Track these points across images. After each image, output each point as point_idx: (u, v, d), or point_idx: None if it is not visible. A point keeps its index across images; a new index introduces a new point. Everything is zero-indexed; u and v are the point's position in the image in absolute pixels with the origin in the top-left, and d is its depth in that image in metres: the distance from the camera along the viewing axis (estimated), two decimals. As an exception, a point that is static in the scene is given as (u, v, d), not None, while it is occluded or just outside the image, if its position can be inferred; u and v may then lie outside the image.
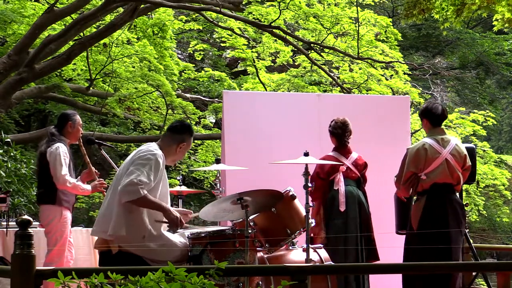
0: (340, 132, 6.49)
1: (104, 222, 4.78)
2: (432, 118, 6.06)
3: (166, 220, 4.79)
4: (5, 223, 6.14)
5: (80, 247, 6.49)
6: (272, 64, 13.35)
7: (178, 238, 4.93)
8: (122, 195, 4.65)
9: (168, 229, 4.88)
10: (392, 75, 12.16)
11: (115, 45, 11.50)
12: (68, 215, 6.06)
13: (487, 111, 12.97)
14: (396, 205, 6.36)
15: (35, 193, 7.31)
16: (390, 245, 6.22)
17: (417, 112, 11.89)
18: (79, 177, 6.24)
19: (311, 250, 5.45)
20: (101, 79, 12.17)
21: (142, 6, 10.26)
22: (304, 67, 12.62)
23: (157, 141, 5.06)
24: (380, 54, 11.91)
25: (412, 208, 6.06)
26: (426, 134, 6.17)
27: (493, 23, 8.37)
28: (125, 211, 4.70)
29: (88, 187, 6.14)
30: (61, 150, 5.96)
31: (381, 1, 14.62)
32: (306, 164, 5.54)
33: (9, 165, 7.79)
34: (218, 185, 6.22)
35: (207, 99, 14.17)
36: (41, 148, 6.10)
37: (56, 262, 5.88)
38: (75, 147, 6.67)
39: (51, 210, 5.97)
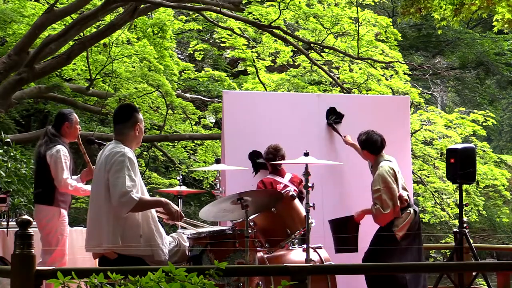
0: (271, 157, 6.60)
1: (95, 236, 4.72)
2: (373, 149, 6.46)
3: (164, 212, 4.78)
4: (5, 223, 6.14)
5: (80, 247, 6.48)
6: (272, 64, 13.33)
7: (168, 238, 4.93)
8: (119, 209, 4.60)
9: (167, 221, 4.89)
10: (392, 75, 12.14)
11: (115, 45, 11.50)
12: (66, 214, 6.08)
13: (487, 111, 12.93)
14: (335, 229, 6.46)
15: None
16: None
17: (417, 112, 11.95)
18: (78, 176, 6.24)
19: (311, 250, 5.46)
20: (101, 79, 12.17)
21: (142, 6, 10.26)
22: (304, 67, 12.61)
23: (114, 138, 4.91)
24: (380, 54, 11.90)
25: (398, 219, 6.26)
26: (372, 161, 6.54)
27: (493, 24, 8.36)
28: (116, 218, 4.64)
29: (88, 187, 6.13)
30: (62, 153, 5.98)
31: (381, 1, 14.61)
32: (306, 164, 5.55)
33: (9, 165, 7.77)
34: (218, 185, 6.21)
35: (207, 99, 14.16)
36: (40, 149, 6.09)
37: (59, 261, 5.90)
38: (75, 146, 6.68)
39: (49, 210, 5.98)
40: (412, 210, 6.32)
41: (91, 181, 6.16)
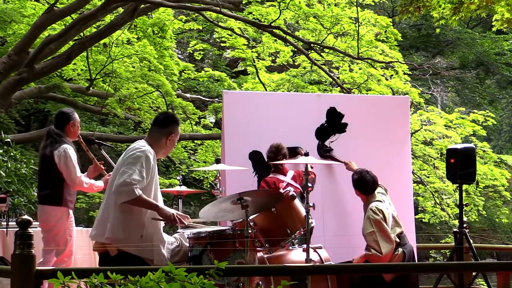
0: (272, 156, 6.59)
1: (101, 225, 4.80)
2: (365, 190, 6.34)
3: (161, 218, 4.82)
4: (5, 223, 6.13)
5: (80, 247, 6.49)
6: (272, 64, 13.33)
7: (170, 239, 4.95)
8: (117, 196, 4.68)
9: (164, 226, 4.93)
10: (392, 75, 12.14)
11: (115, 45, 11.50)
12: (72, 215, 6.10)
13: (487, 111, 12.93)
14: None
15: (34, 193, 7.29)
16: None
17: (417, 112, 11.94)
18: (85, 173, 6.24)
19: (311, 250, 5.46)
20: (101, 79, 12.17)
21: (142, 6, 10.26)
22: (304, 67, 12.61)
23: (145, 137, 5.07)
24: (380, 54, 11.90)
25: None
26: (363, 201, 6.41)
27: (493, 23, 8.35)
28: (123, 212, 4.71)
29: (100, 183, 6.18)
30: (70, 152, 5.99)
31: (381, 1, 14.61)
32: (306, 164, 5.55)
33: (9, 165, 7.76)
34: (218, 185, 6.22)
35: (207, 99, 14.17)
36: (45, 150, 6.05)
37: (66, 262, 5.93)
38: (76, 145, 6.68)
39: (58, 211, 5.97)
40: (400, 251, 6.15)
41: (98, 177, 6.23)
